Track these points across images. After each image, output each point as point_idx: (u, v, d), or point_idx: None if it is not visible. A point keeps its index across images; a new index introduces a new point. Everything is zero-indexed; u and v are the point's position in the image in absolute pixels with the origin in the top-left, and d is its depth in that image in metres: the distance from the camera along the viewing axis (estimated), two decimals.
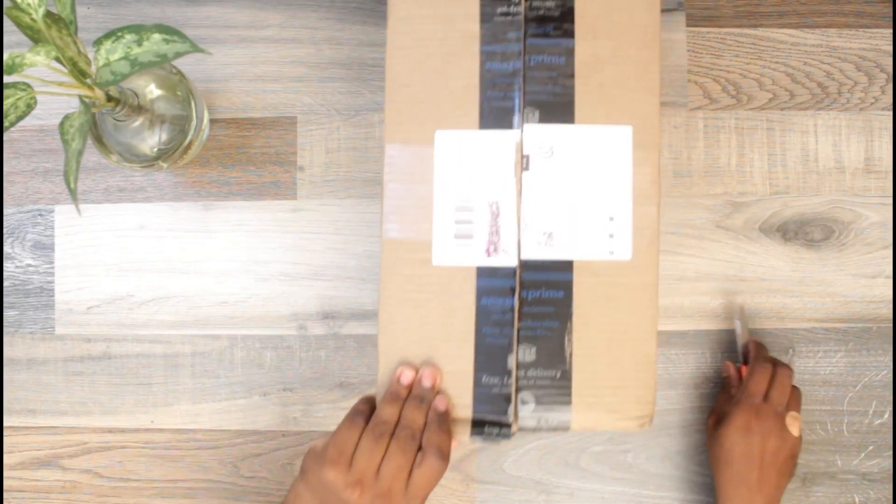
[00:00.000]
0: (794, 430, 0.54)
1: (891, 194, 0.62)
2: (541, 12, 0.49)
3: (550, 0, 0.49)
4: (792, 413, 0.55)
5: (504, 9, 0.48)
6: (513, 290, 0.48)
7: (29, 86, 0.45)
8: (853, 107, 0.62)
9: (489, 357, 0.48)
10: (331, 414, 0.62)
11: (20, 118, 0.45)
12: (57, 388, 0.62)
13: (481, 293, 0.48)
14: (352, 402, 0.51)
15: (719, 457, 0.54)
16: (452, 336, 0.48)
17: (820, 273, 0.62)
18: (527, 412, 0.48)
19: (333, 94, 0.62)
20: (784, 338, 0.62)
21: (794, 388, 0.57)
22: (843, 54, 0.63)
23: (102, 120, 0.55)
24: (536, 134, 0.48)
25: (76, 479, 0.62)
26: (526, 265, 0.48)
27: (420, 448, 0.45)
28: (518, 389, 0.48)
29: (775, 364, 0.57)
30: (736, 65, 0.62)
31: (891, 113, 0.62)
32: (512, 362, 0.48)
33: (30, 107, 0.45)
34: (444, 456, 0.45)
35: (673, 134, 0.62)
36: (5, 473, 0.62)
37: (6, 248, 0.62)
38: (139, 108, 0.54)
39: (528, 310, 0.48)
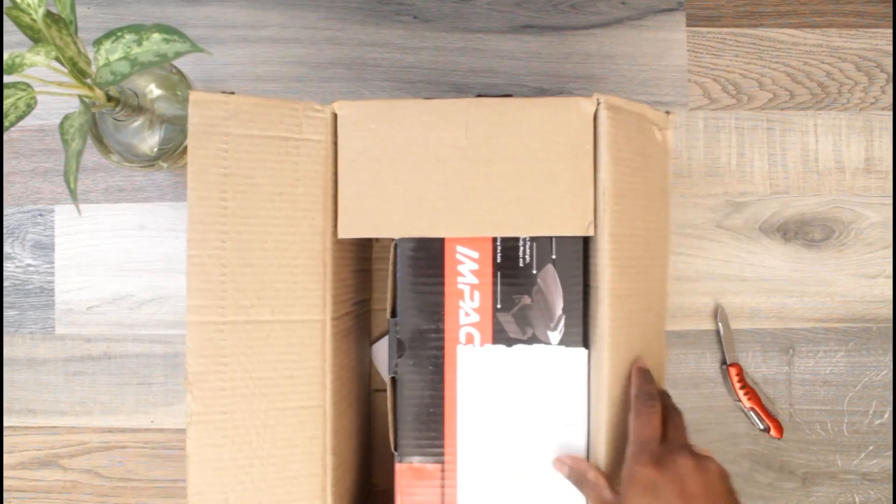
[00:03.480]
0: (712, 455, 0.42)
1: (891, 194, 0.62)
2: None
3: None
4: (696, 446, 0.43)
5: None
6: None
7: (29, 86, 0.45)
8: (853, 107, 0.62)
9: None
10: None
11: (20, 118, 0.44)
12: (57, 388, 0.62)
13: None
14: None
15: None
16: None
17: (820, 273, 0.62)
18: None
19: (333, 94, 0.62)
20: (784, 338, 0.62)
21: (681, 415, 0.45)
22: (843, 54, 0.63)
23: (102, 120, 0.55)
24: None
25: (76, 479, 0.62)
26: None
27: None
28: None
29: (662, 397, 0.45)
30: (736, 65, 0.62)
31: (891, 113, 0.62)
32: None
33: (30, 107, 0.45)
34: None
35: (673, 134, 0.62)
36: (5, 473, 0.62)
37: (6, 248, 0.62)
38: (139, 108, 0.54)
39: None
